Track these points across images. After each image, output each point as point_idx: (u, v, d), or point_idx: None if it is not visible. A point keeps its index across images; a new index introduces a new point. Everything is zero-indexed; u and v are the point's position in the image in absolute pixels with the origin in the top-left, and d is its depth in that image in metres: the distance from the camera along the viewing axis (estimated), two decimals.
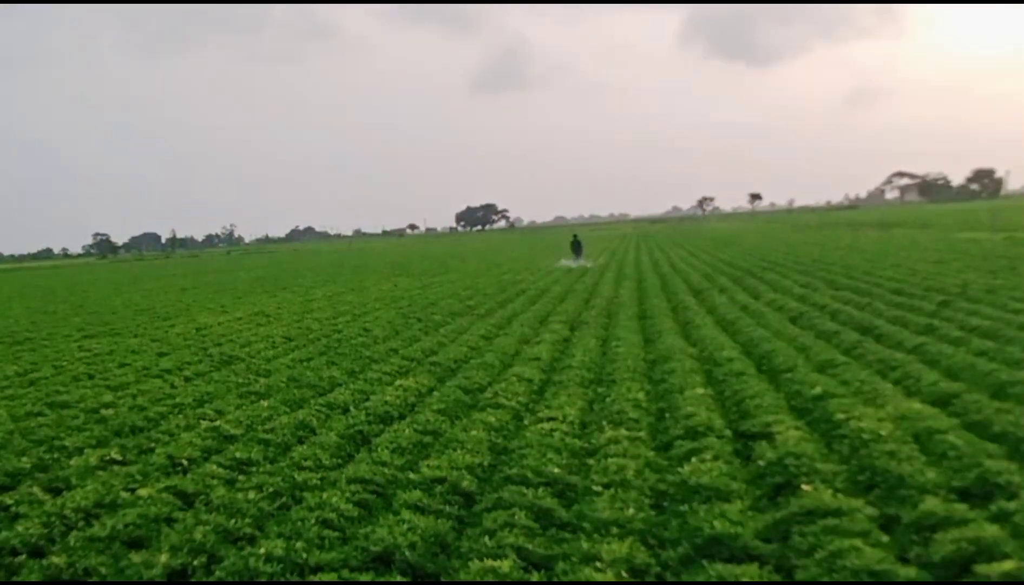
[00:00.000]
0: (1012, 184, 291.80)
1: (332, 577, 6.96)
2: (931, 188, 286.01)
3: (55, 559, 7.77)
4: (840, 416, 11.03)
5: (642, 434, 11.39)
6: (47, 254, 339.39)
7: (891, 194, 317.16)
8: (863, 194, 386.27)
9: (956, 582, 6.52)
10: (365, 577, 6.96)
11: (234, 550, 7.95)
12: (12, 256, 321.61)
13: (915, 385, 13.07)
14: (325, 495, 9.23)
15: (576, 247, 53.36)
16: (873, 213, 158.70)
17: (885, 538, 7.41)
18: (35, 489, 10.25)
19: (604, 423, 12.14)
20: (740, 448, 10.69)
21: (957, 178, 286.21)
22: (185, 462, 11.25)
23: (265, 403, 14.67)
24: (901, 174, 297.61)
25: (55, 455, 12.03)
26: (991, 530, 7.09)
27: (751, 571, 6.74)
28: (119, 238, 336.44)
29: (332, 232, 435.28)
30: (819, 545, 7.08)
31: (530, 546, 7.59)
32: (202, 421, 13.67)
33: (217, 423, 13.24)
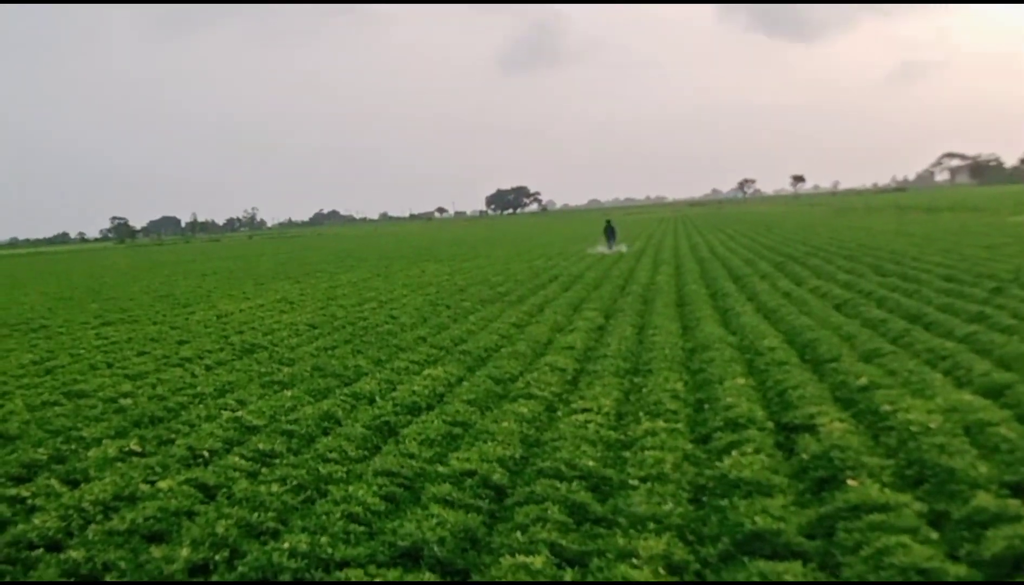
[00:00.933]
0: None
1: (358, 573, 6.97)
2: (983, 170, 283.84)
3: (73, 553, 7.82)
4: (887, 408, 10.96)
5: (680, 426, 11.36)
6: (63, 238, 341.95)
7: (941, 176, 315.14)
8: (911, 176, 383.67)
9: (1008, 581, 6.48)
10: (392, 573, 6.97)
11: (257, 545, 7.99)
12: (28, 240, 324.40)
13: (966, 375, 12.98)
14: (351, 488, 9.26)
15: (609, 232, 52.89)
16: (922, 196, 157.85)
17: (934, 535, 7.37)
18: (52, 481, 10.33)
19: (641, 414, 12.12)
20: (782, 441, 10.65)
21: (1011, 159, 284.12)
22: (206, 454, 11.30)
23: (288, 393, 14.73)
24: (951, 155, 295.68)
25: (72, 446, 12.11)
26: None
27: (794, 569, 6.71)
28: (137, 222, 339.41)
29: (357, 216, 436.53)
30: (865, 542, 7.05)
31: (563, 542, 7.59)
32: (224, 411, 13.74)
33: (239, 413, 13.31)
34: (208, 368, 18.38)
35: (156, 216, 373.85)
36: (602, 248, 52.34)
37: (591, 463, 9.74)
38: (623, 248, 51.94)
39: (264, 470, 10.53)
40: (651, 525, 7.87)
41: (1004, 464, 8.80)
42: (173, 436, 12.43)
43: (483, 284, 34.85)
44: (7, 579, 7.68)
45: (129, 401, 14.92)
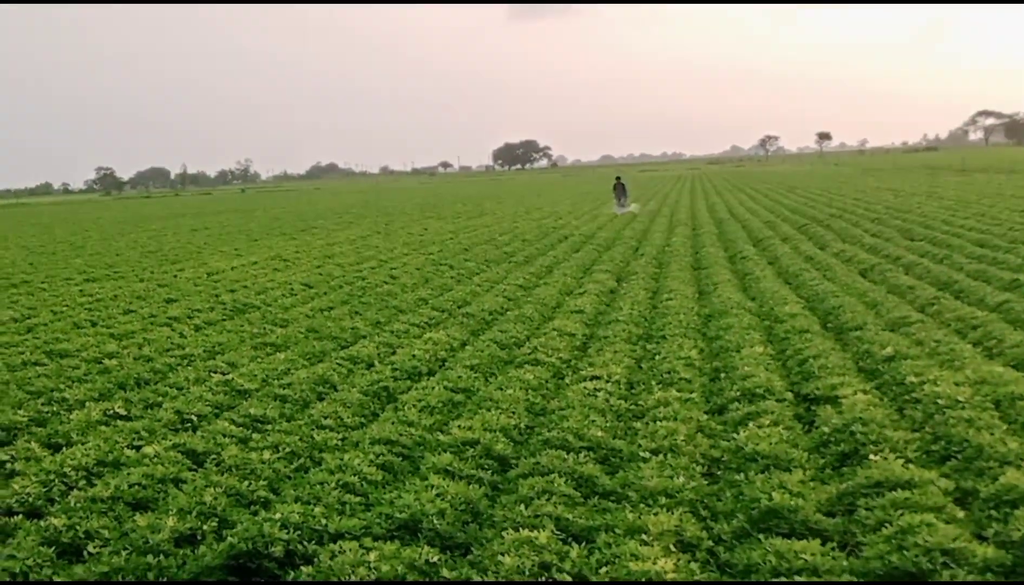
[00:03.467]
0: None
1: (353, 546, 6.98)
2: (1020, 129, 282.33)
3: (54, 520, 7.82)
4: (913, 379, 10.95)
5: (694, 396, 11.38)
6: (46, 189, 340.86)
7: (975, 135, 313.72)
8: (943, 135, 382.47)
9: None
10: (389, 547, 6.97)
11: (247, 515, 8.00)
12: (8, 191, 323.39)
13: (997, 346, 12.97)
14: (346, 457, 9.27)
15: (619, 190, 52.15)
16: (954, 156, 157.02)
17: (960, 513, 7.37)
18: (33, 445, 10.35)
19: (653, 383, 12.14)
20: (802, 413, 10.67)
21: None
22: (195, 418, 11.33)
23: (282, 356, 14.75)
24: (986, 113, 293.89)
25: (54, 408, 12.15)
26: None
27: (812, 547, 6.71)
28: (124, 173, 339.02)
29: (357, 169, 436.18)
30: (888, 520, 7.04)
31: (570, 516, 7.60)
32: (213, 374, 13.77)
33: (230, 377, 13.34)
34: (197, 328, 18.41)
35: (144, 167, 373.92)
36: (616, 209, 51.81)
37: (600, 434, 9.75)
38: (634, 208, 51.32)
39: (255, 436, 10.55)
40: (662, 500, 7.88)
41: None
42: (160, 399, 12.45)
43: (488, 244, 34.86)
44: None
45: (114, 362, 14.94)
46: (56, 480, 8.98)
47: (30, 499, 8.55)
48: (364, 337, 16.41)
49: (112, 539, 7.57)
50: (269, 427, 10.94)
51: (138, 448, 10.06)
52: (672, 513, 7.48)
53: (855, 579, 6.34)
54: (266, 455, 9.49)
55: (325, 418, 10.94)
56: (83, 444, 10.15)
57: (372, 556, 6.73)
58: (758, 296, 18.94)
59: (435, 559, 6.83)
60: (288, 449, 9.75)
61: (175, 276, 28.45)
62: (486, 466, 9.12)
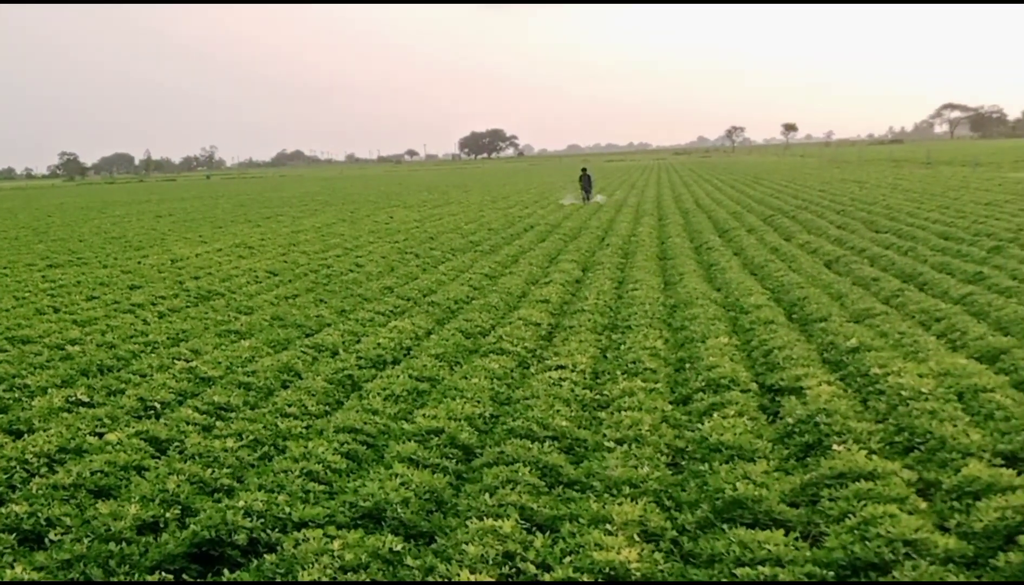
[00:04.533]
0: None
1: (317, 534, 6.97)
2: (985, 122, 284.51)
3: (15, 507, 7.78)
4: (877, 371, 11.03)
5: (659, 386, 11.41)
6: (9, 174, 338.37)
7: (940, 128, 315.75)
8: (909, 127, 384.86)
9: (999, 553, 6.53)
10: (353, 536, 6.97)
11: (210, 502, 7.98)
12: None
13: (960, 338, 13.07)
14: (311, 445, 9.25)
15: (585, 181, 52.05)
16: (919, 148, 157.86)
17: (923, 505, 7.42)
18: None
19: (618, 373, 12.16)
20: (766, 403, 10.72)
21: (1014, 111, 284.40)
22: (158, 406, 11.28)
23: (246, 343, 14.70)
24: (952, 106, 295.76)
25: (16, 395, 12.07)
26: None
27: (776, 537, 6.75)
28: (88, 159, 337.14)
29: (323, 157, 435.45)
30: (851, 511, 7.09)
31: (534, 505, 7.61)
32: (177, 361, 13.69)
33: (193, 364, 13.27)
34: (161, 315, 18.33)
35: (108, 153, 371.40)
36: (573, 199, 51.64)
37: (565, 423, 9.77)
38: (600, 199, 51.27)
39: (219, 424, 10.53)
40: (627, 490, 7.90)
41: (998, 432, 8.87)
42: (123, 386, 12.39)
43: (454, 232, 34.85)
44: None
45: (77, 348, 14.84)
46: (18, 467, 8.93)
47: None
48: (329, 325, 16.38)
49: (74, 526, 7.53)
50: (233, 415, 10.92)
51: (101, 435, 10.01)
52: (636, 503, 7.50)
53: (818, 569, 6.37)
54: (230, 443, 9.47)
55: (289, 406, 10.92)
56: (45, 431, 10.09)
57: (336, 544, 6.73)
58: (724, 287, 19.01)
59: (399, 548, 6.83)
60: (252, 437, 9.73)
61: (139, 263, 28.28)
62: (451, 455, 9.13)
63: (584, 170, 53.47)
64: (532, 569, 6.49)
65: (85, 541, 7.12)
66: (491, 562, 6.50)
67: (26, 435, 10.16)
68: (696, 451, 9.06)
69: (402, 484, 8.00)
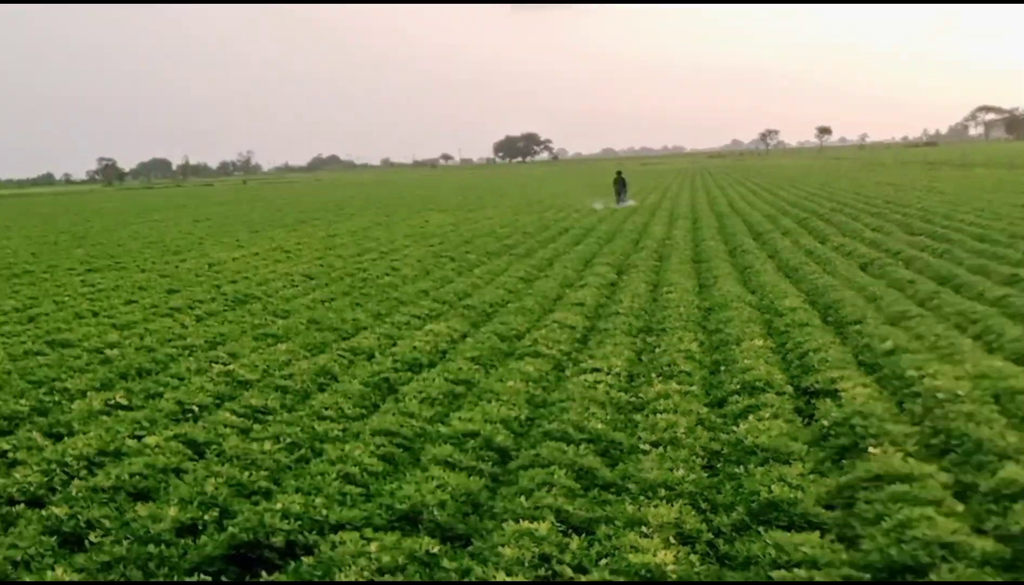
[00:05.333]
0: None
1: (354, 536, 6.98)
2: (1020, 124, 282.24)
3: (55, 510, 7.83)
4: (913, 373, 10.95)
5: (694, 388, 11.37)
6: (48, 179, 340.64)
7: (975, 130, 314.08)
8: (944, 129, 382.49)
9: None
10: (390, 538, 6.97)
11: (248, 505, 8.00)
12: (11, 181, 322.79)
13: (997, 341, 12.96)
14: (347, 448, 9.27)
15: (620, 185, 51.90)
16: (954, 150, 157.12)
17: (960, 507, 7.35)
18: (34, 434, 10.35)
19: (653, 376, 12.13)
20: (802, 406, 10.66)
21: None
22: (196, 409, 11.33)
23: (283, 347, 14.75)
24: (987, 108, 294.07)
25: (56, 398, 12.14)
26: None
27: (812, 540, 6.72)
28: (126, 164, 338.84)
29: (358, 161, 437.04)
30: (887, 514, 7.04)
31: (570, 508, 7.59)
32: (214, 365, 13.75)
33: (231, 367, 13.33)
34: (199, 319, 18.41)
35: (146, 158, 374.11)
36: (610, 203, 51.29)
37: (600, 426, 9.75)
38: (632, 202, 50.96)
39: (256, 427, 10.56)
40: (662, 492, 7.88)
41: None
42: (161, 389, 12.45)
43: (489, 236, 34.88)
44: None
45: (115, 352, 14.94)
46: (57, 469, 8.98)
47: (31, 488, 8.55)
48: (365, 328, 16.40)
49: (113, 529, 7.57)
50: (270, 418, 10.94)
51: (139, 438, 10.06)
52: (672, 505, 7.48)
53: (854, 572, 6.34)
54: (267, 446, 9.49)
55: (326, 409, 10.93)
56: (84, 434, 10.14)
57: (373, 547, 6.74)
58: (758, 289, 18.94)
59: (435, 550, 6.84)
60: (289, 440, 9.75)
61: (176, 267, 28.47)
62: (486, 458, 9.12)
63: (619, 173, 53.25)
64: (568, 571, 6.48)
65: (124, 543, 7.16)
66: (527, 564, 6.49)
67: (66, 438, 10.21)
68: (731, 453, 9.02)
69: (438, 487, 8.00)
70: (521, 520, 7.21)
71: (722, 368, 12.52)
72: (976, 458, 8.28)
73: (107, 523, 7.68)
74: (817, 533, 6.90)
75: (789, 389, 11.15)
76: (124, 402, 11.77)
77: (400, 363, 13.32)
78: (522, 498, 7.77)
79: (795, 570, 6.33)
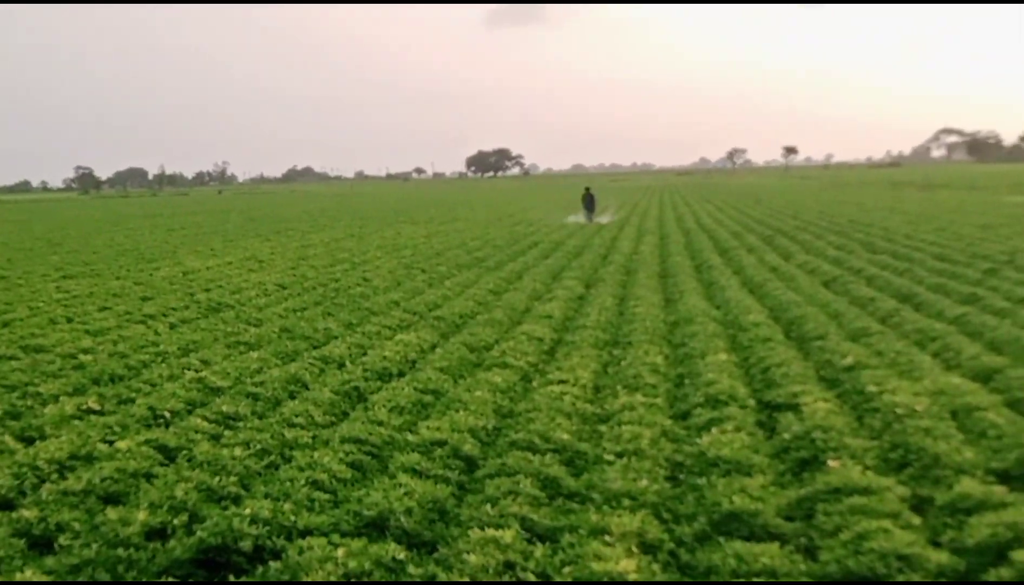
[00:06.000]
0: None
1: (321, 542, 6.97)
2: (981, 147, 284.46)
3: (25, 512, 7.80)
4: (873, 389, 11.02)
5: (659, 401, 11.40)
6: (24, 187, 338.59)
7: (937, 152, 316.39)
8: (907, 151, 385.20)
9: (990, 569, 6.52)
10: (357, 544, 6.97)
11: (217, 510, 7.98)
12: None
13: (955, 358, 13.06)
14: (316, 455, 9.26)
15: (588, 201, 51.49)
16: (917, 172, 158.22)
17: (916, 520, 7.41)
18: (6, 438, 10.29)
19: (619, 388, 12.15)
20: (764, 419, 10.71)
21: (1010, 137, 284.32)
22: (167, 414, 11.28)
23: (255, 354, 14.71)
24: (949, 131, 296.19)
25: (28, 402, 12.07)
26: None
27: (771, 550, 6.75)
28: (103, 173, 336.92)
29: (332, 173, 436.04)
30: (845, 525, 7.09)
31: (535, 516, 7.61)
32: (187, 371, 13.71)
33: (203, 374, 13.27)
34: (172, 326, 18.34)
35: (122, 167, 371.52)
36: (575, 218, 50.89)
37: (566, 436, 9.77)
38: (604, 219, 50.72)
39: (227, 433, 10.52)
40: (626, 502, 7.90)
41: (991, 450, 8.86)
42: (133, 395, 12.39)
43: (460, 248, 34.87)
44: None
45: (89, 357, 14.87)
46: (29, 473, 8.92)
47: (2, 491, 8.49)
48: (336, 338, 16.37)
49: (83, 532, 7.54)
50: (241, 424, 10.90)
51: (111, 443, 10.02)
52: (635, 515, 7.50)
53: (812, 581, 6.37)
54: (237, 451, 9.47)
55: (296, 416, 10.90)
56: (56, 438, 10.08)
57: (340, 552, 6.74)
58: (723, 305, 19.01)
59: (402, 556, 6.84)
60: (259, 446, 9.72)
61: (151, 275, 28.32)
62: (454, 466, 9.12)
63: (587, 189, 52.92)
64: (532, 578, 6.49)
65: (94, 546, 7.13)
66: (492, 571, 6.50)
67: (38, 442, 10.14)
68: (694, 465, 9.04)
69: (405, 494, 8.00)
70: (487, 528, 7.22)
71: (686, 381, 12.55)
72: (933, 472, 8.35)
73: (77, 526, 7.64)
74: (777, 544, 6.94)
75: (752, 403, 11.19)
76: (96, 407, 11.71)
77: (370, 372, 13.30)
78: (488, 506, 7.78)
79: (755, 580, 6.38)
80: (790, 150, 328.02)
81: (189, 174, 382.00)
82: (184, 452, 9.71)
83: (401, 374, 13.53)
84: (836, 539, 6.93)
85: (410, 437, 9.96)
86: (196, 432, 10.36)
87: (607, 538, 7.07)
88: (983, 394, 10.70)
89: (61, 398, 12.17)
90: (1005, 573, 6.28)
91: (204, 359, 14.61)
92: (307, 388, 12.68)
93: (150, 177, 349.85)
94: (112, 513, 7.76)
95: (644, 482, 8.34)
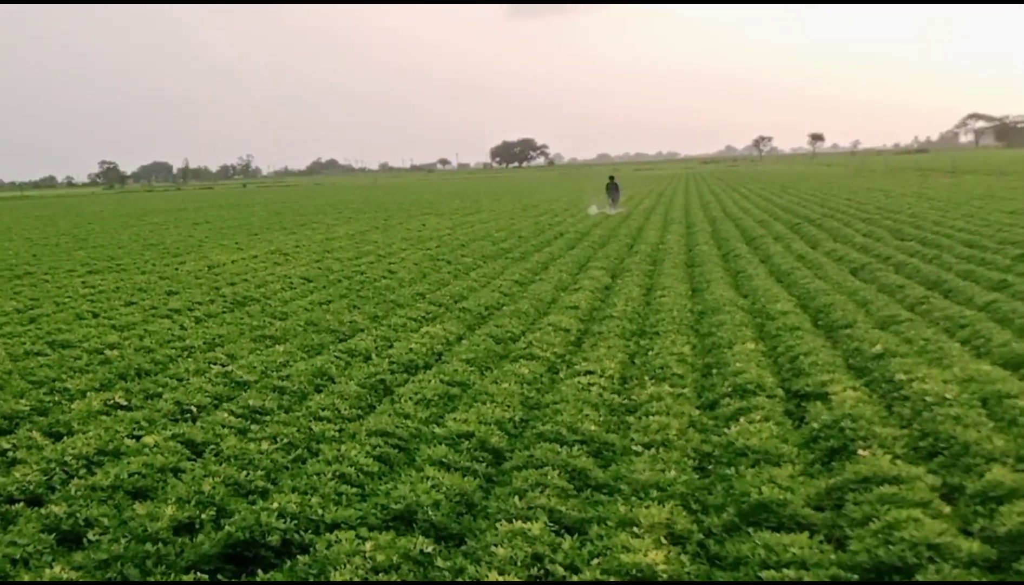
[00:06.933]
0: None
1: (349, 536, 6.98)
2: (1010, 131, 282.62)
3: (54, 508, 7.84)
4: (902, 377, 10.97)
5: (686, 391, 11.38)
6: (50, 182, 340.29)
7: (965, 137, 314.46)
8: (935, 137, 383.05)
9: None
10: (384, 537, 6.98)
11: (244, 504, 8.01)
12: (12, 183, 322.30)
13: (985, 345, 12.99)
14: (343, 448, 9.27)
15: (613, 190, 51.23)
16: (945, 157, 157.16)
17: (947, 509, 7.38)
18: (34, 433, 10.35)
19: (646, 378, 12.14)
20: (792, 409, 10.67)
21: None
22: (194, 409, 11.33)
23: (281, 348, 14.75)
24: (977, 116, 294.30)
25: (56, 398, 12.14)
26: None
27: (800, 540, 6.73)
28: (127, 167, 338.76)
29: (357, 166, 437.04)
30: (875, 515, 7.05)
31: (563, 508, 7.61)
32: (213, 365, 13.76)
33: (229, 368, 13.33)
34: (198, 320, 18.41)
35: (147, 161, 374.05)
36: (602, 208, 50.75)
37: (593, 427, 9.76)
38: (622, 210, 49.76)
39: (254, 427, 10.56)
40: (654, 493, 7.89)
41: (1022, 438, 8.80)
42: (160, 390, 12.44)
43: (485, 239, 34.86)
44: None
45: (115, 352, 14.93)
46: (57, 468, 8.98)
47: (31, 487, 8.55)
48: (362, 330, 16.40)
49: (111, 527, 7.58)
50: (267, 418, 10.94)
51: (138, 438, 10.07)
52: (663, 506, 7.49)
53: (842, 572, 6.34)
54: (264, 446, 9.50)
55: (323, 410, 10.94)
56: (84, 433, 10.15)
57: (367, 546, 6.74)
58: (750, 294, 18.95)
59: (430, 549, 6.85)
60: (286, 440, 9.75)
61: (176, 269, 28.44)
62: (481, 458, 9.12)
63: (611, 178, 52.84)
64: (560, 571, 6.49)
65: (122, 541, 7.17)
66: (520, 564, 6.50)
67: (65, 437, 10.21)
68: (722, 455, 9.02)
69: (433, 487, 8.01)
70: (514, 520, 7.22)
71: (714, 371, 12.53)
72: (964, 461, 8.30)
73: (105, 521, 7.68)
74: (806, 534, 6.91)
75: (780, 392, 11.16)
76: (123, 402, 11.77)
77: (396, 365, 13.32)
78: (515, 498, 7.78)
79: (784, 570, 6.34)
80: (816, 137, 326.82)
81: (213, 168, 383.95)
82: (211, 447, 9.74)
83: (427, 366, 13.54)
84: (866, 529, 6.89)
85: (437, 430, 9.97)
86: (223, 426, 10.40)
87: (635, 530, 7.06)
88: (1014, 381, 10.63)
89: (88, 394, 12.24)
90: None
91: (230, 353, 14.66)
92: (333, 381, 12.70)
93: (174, 171, 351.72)
94: (140, 508, 7.80)
95: (672, 473, 8.32)
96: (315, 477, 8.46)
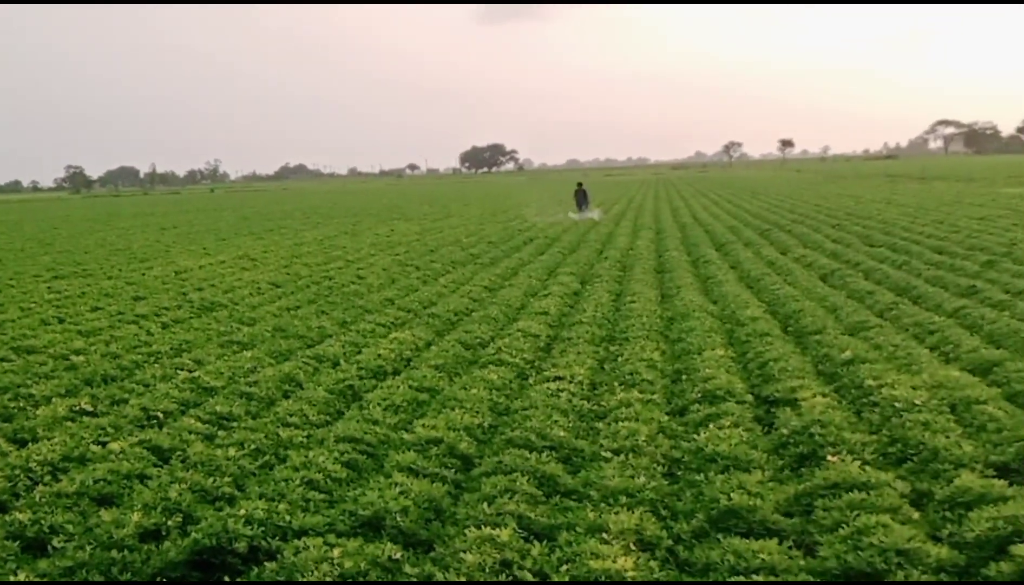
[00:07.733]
0: None
1: (317, 542, 6.96)
2: (978, 138, 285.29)
3: (19, 515, 7.78)
4: (871, 383, 11.03)
5: (656, 397, 11.41)
6: (15, 187, 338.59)
7: (934, 144, 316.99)
8: (904, 143, 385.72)
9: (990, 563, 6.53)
10: (352, 544, 6.96)
11: (211, 510, 7.98)
12: None
13: (954, 351, 13.07)
14: (311, 454, 9.25)
15: (580, 196, 51.13)
16: (914, 164, 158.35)
17: (916, 515, 7.42)
18: None
19: (615, 384, 12.16)
20: (762, 415, 10.70)
21: (1007, 128, 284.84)
22: (161, 415, 11.26)
23: (248, 353, 14.70)
24: (946, 122, 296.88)
25: (20, 404, 12.06)
26: None
27: (770, 547, 6.75)
28: (94, 172, 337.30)
29: (325, 171, 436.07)
30: (844, 521, 7.08)
31: (532, 515, 7.61)
32: (180, 371, 13.70)
33: (196, 374, 13.27)
34: (164, 326, 18.33)
35: (113, 166, 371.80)
36: (571, 215, 50.51)
37: (562, 433, 9.76)
38: (595, 215, 49.62)
39: (221, 433, 10.52)
40: (623, 499, 7.90)
41: (990, 443, 8.86)
42: (126, 396, 12.39)
43: (455, 245, 34.90)
44: None
45: (81, 358, 14.85)
46: (22, 475, 8.92)
47: None
48: (330, 336, 16.37)
49: (77, 534, 7.53)
50: (235, 424, 10.90)
51: (104, 444, 10.01)
52: (632, 512, 7.50)
53: (811, 578, 6.38)
54: (231, 452, 9.46)
55: (291, 416, 10.91)
56: (49, 439, 10.08)
57: (335, 552, 6.73)
58: (720, 300, 19.02)
59: (398, 556, 6.83)
60: (253, 446, 9.72)
61: (143, 274, 28.32)
62: (449, 464, 9.12)
63: (580, 185, 52.45)
64: (529, 577, 6.49)
65: (88, 548, 7.12)
66: (489, 570, 6.50)
67: (30, 444, 10.12)
68: (692, 461, 9.04)
69: (401, 493, 7.99)
70: (483, 526, 7.21)
71: (683, 377, 12.56)
72: (932, 466, 8.36)
73: (70, 528, 7.64)
74: (775, 540, 6.93)
75: (749, 398, 11.20)
76: (89, 408, 11.71)
77: (365, 370, 13.31)
78: (484, 504, 7.78)
79: (753, 576, 6.37)
80: (786, 143, 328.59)
81: (181, 172, 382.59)
82: (178, 453, 9.70)
83: (396, 372, 13.53)
84: (835, 535, 6.92)
85: (405, 436, 9.96)
86: (190, 432, 10.35)
87: (604, 536, 7.06)
88: (982, 387, 10.70)
89: (54, 399, 12.18)
90: (1005, 567, 6.28)
91: (197, 359, 14.61)
92: (301, 387, 12.68)
93: (141, 176, 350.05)
94: (106, 515, 7.76)
95: (641, 479, 8.34)
96: (283, 483, 8.44)
